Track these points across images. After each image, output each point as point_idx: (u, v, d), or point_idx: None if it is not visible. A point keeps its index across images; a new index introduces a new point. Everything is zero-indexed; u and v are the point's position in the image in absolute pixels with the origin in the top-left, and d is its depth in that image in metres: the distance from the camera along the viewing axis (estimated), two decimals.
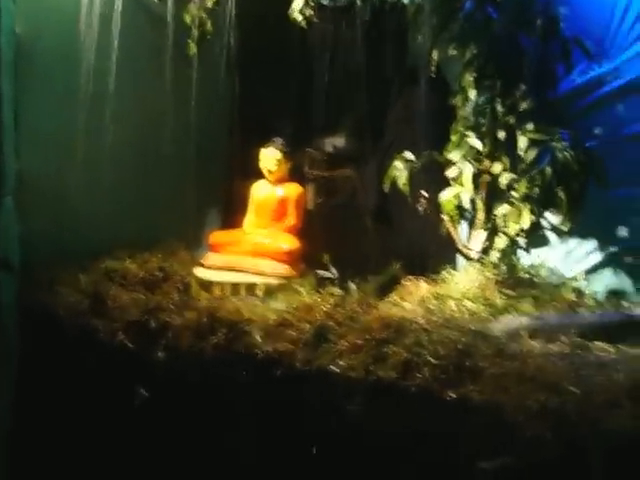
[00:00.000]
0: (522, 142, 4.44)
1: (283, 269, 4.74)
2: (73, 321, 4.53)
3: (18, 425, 4.66)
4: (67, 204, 5.03)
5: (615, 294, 4.70)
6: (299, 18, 4.91)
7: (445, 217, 4.69)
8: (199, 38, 5.24)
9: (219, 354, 4.07)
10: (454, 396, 3.43)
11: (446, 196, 4.61)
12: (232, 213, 5.37)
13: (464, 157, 4.57)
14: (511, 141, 4.49)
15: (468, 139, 4.55)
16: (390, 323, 3.91)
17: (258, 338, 4.01)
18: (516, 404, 3.29)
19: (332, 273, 4.50)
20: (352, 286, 4.42)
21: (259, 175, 5.15)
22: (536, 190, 4.50)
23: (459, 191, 4.57)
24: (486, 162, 4.58)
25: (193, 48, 5.25)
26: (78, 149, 4.89)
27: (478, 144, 4.51)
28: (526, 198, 4.51)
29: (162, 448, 4.23)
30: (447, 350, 3.63)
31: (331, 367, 3.73)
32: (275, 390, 3.89)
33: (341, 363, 3.72)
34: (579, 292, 4.67)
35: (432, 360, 3.58)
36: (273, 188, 5.08)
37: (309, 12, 4.92)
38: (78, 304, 4.60)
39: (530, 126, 4.46)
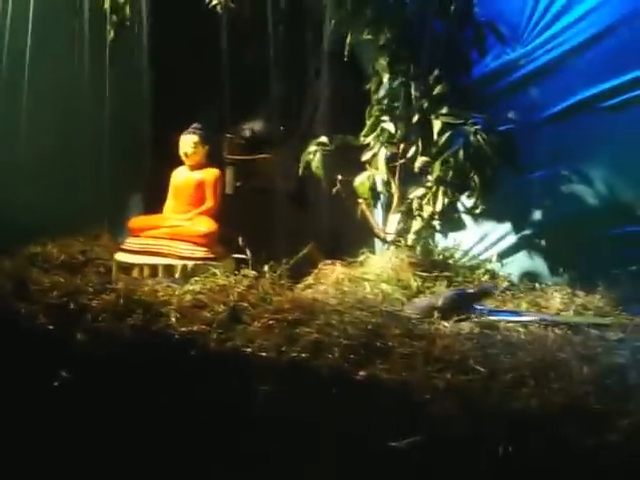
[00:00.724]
0: (436, 126, 4.47)
1: (200, 251, 4.77)
2: None
3: None
4: None
5: (529, 275, 4.77)
6: (215, 2, 4.89)
7: (361, 201, 4.71)
8: (117, 24, 5.19)
9: (136, 335, 4.07)
10: (363, 375, 3.45)
11: (361, 180, 4.64)
12: (155, 199, 5.36)
13: (378, 140, 4.60)
14: (425, 125, 4.52)
15: (383, 123, 4.58)
16: (302, 304, 3.95)
17: (173, 319, 4.02)
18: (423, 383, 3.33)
19: (246, 255, 4.50)
20: (265, 268, 4.42)
21: (180, 161, 5.16)
22: (450, 173, 4.53)
23: (373, 174, 4.60)
24: (400, 146, 4.60)
25: (111, 34, 5.21)
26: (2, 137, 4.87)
27: (392, 127, 4.54)
28: (440, 181, 4.56)
29: (81, 431, 4.22)
30: (357, 330, 3.66)
31: (244, 348, 3.75)
32: (190, 370, 3.91)
33: (254, 344, 3.73)
34: (493, 274, 4.73)
35: (342, 340, 3.61)
36: (191, 173, 5.10)
37: None
38: (1, 288, 4.58)
39: (444, 110, 4.50)
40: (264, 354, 3.68)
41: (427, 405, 3.29)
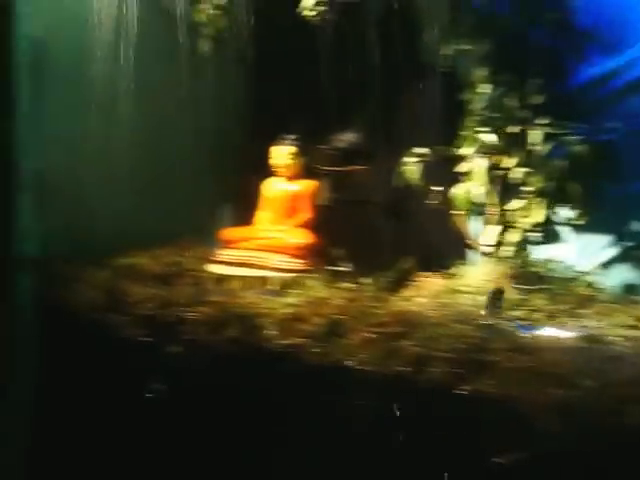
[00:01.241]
0: (535, 136, 4.43)
1: (296, 263, 4.77)
2: (90, 317, 4.55)
3: (39, 419, 4.69)
4: (84, 202, 5.11)
5: (630, 288, 4.69)
6: (311, 14, 4.88)
7: (457, 212, 4.67)
8: (212, 36, 5.22)
9: (233, 348, 4.07)
10: (467, 389, 3.41)
11: (458, 191, 4.60)
12: (245, 210, 5.39)
13: (476, 152, 4.56)
14: (524, 135, 4.47)
15: (481, 134, 4.54)
16: (403, 317, 3.93)
17: (271, 332, 4.01)
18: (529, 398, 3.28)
19: (345, 268, 4.48)
20: (365, 281, 4.40)
21: (271, 172, 5.18)
22: (550, 184, 4.48)
23: (471, 186, 4.56)
24: (499, 157, 4.56)
25: (205, 46, 5.23)
26: (95, 148, 4.95)
27: (491, 139, 4.50)
28: (539, 192, 4.50)
29: (177, 443, 4.24)
30: (459, 344, 3.63)
31: (344, 361, 3.73)
32: (288, 384, 3.90)
33: (354, 357, 3.71)
34: (593, 286, 4.66)
35: (444, 354, 3.57)
36: (286, 184, 5.13)
37: (321, 8, 4.90)
38: (94, 300, 4.62)
39: (543, 120, 4.44)
40: (365, 368, 3.66)
41: (532, 420, 3.23)
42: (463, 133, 4.64)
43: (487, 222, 4.74)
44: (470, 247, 4.78)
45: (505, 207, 4.64)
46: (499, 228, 4.67)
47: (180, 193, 5.47)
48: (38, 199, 4.74)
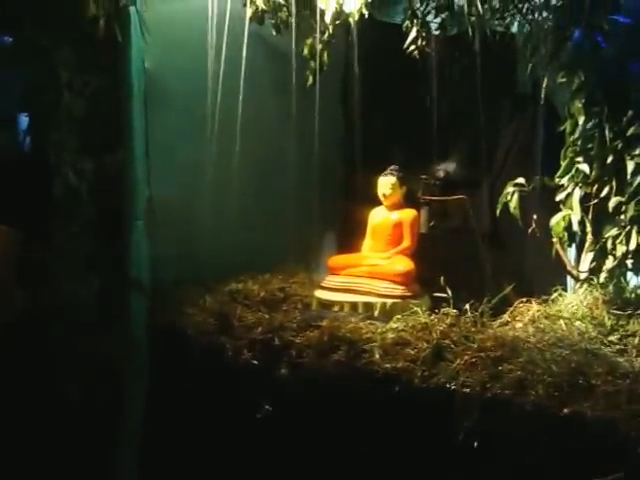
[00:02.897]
0: (630, 166, 4.47)
1: (399, 290, 4.88)
2: (200, 340, 4.72)
3: (148, 441, 4.85)
4: (194, 228, 5.31)
5: None
6: (411, 48, 5.00)
7: (555, 240, 4.74)
8: (317, 70, 5.36)
9: (340, 371, 4.20)
10: (568, 412, 3.50)
11: (556, 220, 4.66)
12: (348, 238, 5.52)
13: (573, 181, 4.63)
14: (619, 165, 4.52)
15: (577, 164, 4.61)
16: (504, 342, 4.03)
17: (377, 356, 4.14)
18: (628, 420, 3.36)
19: (446, 294, 4.58)
20: (467, 307, 4.50)
21: (374, 201, 5.30)
22: None
23: (568, 214, 4.62)
24: (595, 186, 4.62)
25: (310, 79, 5.38)
26: (205, 177, 5.09)
27: (586, 168, 4.56)
28: (634, 221, 4.53)
29: (284, 465, 4.37)
30: (560, 368, 3.72)
31: (448, 384, 3.85)
32: (394, 406, 4.02)
33: (458, 381, 3.84)
34: None
35: (546, 378, 3.67)
36: (388, 213, 5.22)
37: (421, 42, 5.01)
38: (204, 323, 4.80)
39: (638, 150, 4.49)
40: (468, 390, 3.77)
41: (632, 443, 3.30)
42: (562, 163, 4.70)
43: (584, 249, 4.80)
44: (568, 274, 4.84)
45: (602, 235, 4.68)
46: (596, 255, 4.71)
47: (288, 221, 5.61)
48: (152, 227, 4.93)
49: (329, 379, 4.26)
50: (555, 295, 4.74)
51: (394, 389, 4.02)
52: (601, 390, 3.58)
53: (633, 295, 4.72)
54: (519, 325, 4.43)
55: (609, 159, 4.56)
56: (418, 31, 4.98)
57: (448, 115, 5.40)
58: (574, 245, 4.86)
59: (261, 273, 5.49)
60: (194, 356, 4.73)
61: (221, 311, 4.91)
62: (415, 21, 4.98)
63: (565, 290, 4.86)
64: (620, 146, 4.53)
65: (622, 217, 4.57)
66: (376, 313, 4.77)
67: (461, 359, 3.97)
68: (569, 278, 4.93)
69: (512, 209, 4.74)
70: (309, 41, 5.37)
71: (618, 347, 4.14)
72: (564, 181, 4.67)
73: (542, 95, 4.74)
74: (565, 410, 3.52)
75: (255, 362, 4.52)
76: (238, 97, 5.22)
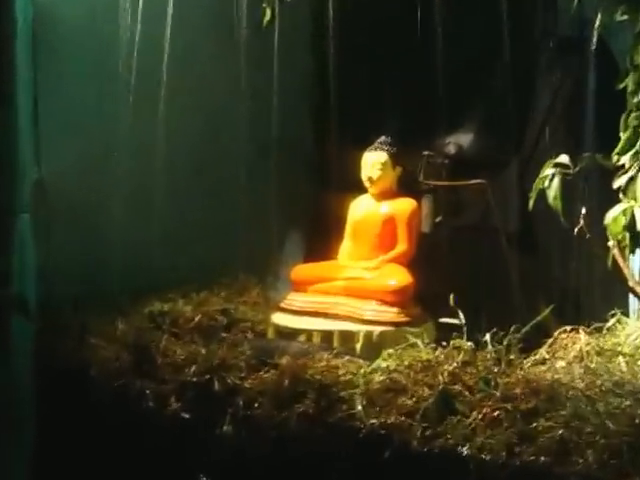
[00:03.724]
0: None
1: (391, 313, 4.83)
2: (108, 383, 4.66)
3: None
4: (102, 225, 5.22)
5: None
6: None
7: (612, 243, 4.69)
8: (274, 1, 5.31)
9: (307, 429, 4.14)
10: None
11: (613, 215, 4.62)
12: (319, 239, 5.45)
13: (638, 160, 4.58)
14: None
15: None
16: (539, 388, 3.97)
17: (360, 407, 4.08)
18: None
19: (458, 319, 4.52)
20: (486, 337, 4.45)
21: (356, 187, 5.23)
22: None
23: (631, 207, 4.58)
24: None
25: (268, 14, 5.31)
26: (118, 152, 5.02)
27: None
28: None
29: None
30: (618, 425, 3.66)
31: (460, 448, 3.78)
32: (382, 478, 3.96)
33: (474, 443, 3.77)
34: None
35: (598, 439, 3.61)
36: (376, 204, 5.15)
37: None
38: (114, 360, 4.74)
39: None
40: (488, 457, 3.70)
41: None
42: (623, 136, 4.65)
43: None
44: (630, 291, 4.80)
45: None
46: None
47: (236, 217, 5.55)
48: (41, 223, 4.86)
49: (291, 440, 4.19)
50: (612, 322, 4.70)
51: (383, 454, 3.93)
52: None
53: None
54: (561, 364, 4.39)
55: None
56: None
57: (460, 67, 5.31)
58: (639, 251, 4.83)
59: (196, 289, 5.43)
60: (99, 406, 4.68)
61: (139, 342, 4.85)
62: None
63: (626, 315, 4.82)
64: None
65: None
66: (358, 346, 4.71)
67: (479, 412, 3.90)
68: (632, 297, 4.88)
69: (551, 199, 4.68)
70: None
71: None
72: (625, 160, 4.61)
73: (593, 39, 4.69)
74: None
75: (186, 415, 4.45)
76: (163, 40, 5.14)
